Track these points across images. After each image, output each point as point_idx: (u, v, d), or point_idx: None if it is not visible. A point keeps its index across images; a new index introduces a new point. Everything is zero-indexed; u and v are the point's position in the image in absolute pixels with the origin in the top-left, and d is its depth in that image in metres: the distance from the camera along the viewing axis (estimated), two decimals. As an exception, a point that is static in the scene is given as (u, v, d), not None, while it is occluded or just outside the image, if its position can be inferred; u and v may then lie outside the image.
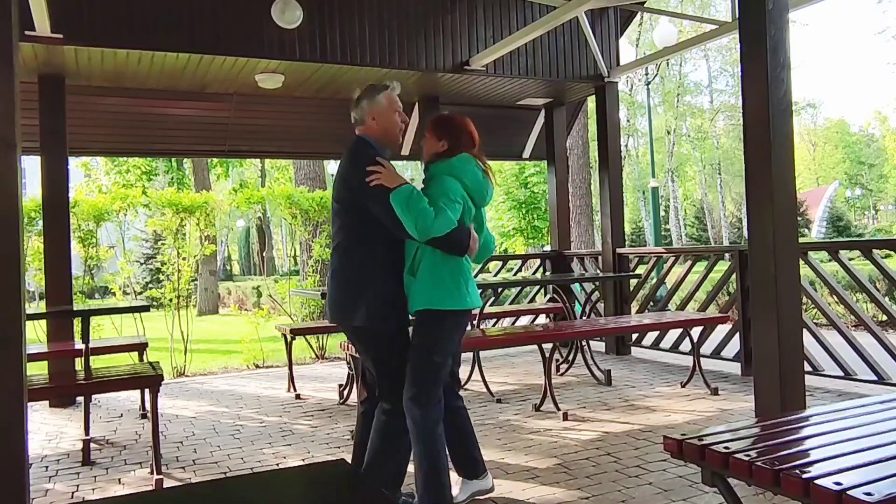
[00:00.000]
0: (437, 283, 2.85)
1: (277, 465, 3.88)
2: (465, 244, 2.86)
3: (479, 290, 3.21)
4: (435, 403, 2.87)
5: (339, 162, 3.03)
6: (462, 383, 4.70)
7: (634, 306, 7.53)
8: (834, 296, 5.82)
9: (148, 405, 4.40)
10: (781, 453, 1.84)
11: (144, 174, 19.97)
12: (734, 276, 6.00)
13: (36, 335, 5.91)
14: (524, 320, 7.48)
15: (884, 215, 49.82)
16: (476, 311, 3.13)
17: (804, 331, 3.74)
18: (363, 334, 2.94)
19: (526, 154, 8.90)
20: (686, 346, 6.27)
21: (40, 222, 6.07)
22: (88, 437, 4.17)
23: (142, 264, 21.18)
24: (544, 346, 4.86)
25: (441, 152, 2.98)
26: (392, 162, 2.96)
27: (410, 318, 2.97)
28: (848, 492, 1.56)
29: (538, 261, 8.40)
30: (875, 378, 4.89)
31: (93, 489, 3.58)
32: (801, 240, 4.92)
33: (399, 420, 2.89)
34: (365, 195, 2.79)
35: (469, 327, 4.04)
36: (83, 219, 7.07)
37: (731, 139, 36.97)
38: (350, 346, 4.36)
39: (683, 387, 5.41)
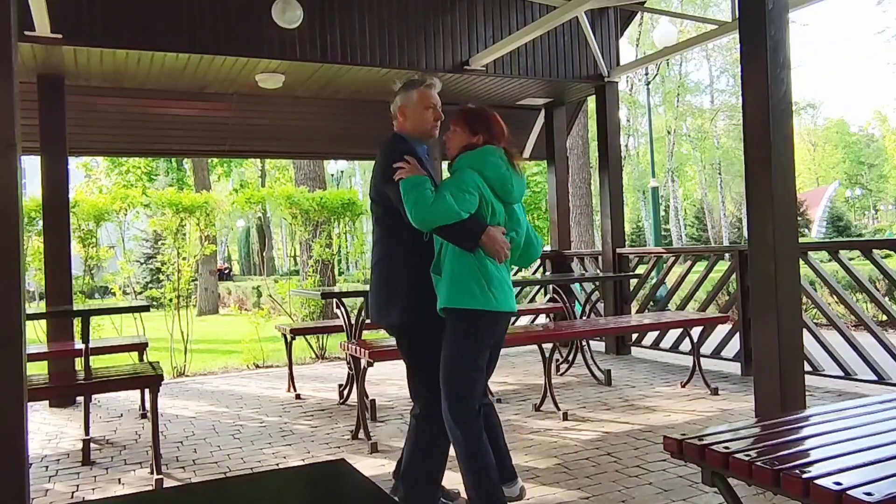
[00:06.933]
0: (456, 280, 2.73)
1: (277, 465, 3.88)
2: (474, 237, 2.70)
3: None
4: (469, 410, 2.75)
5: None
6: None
7: (634, 306, 7.53)
8: (834, 296, 5.82)
9: (148, 405, 4.40)
10: (781, 453, 1.84)
11: (145, 174, 19.97)
12: (734, 276, 6.00)
13: (36, 335, 5.91)
14: (524, 320, 7.48)
15: (884, 215, 49.81)
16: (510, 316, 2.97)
17: (804, 331, 3.74)
18: (396, 332, 2.98)
19: (526, 154, 8.88)
20: (686, 345, 6.27)
21: (40, 222, 6.08)
22: (88, 437, 4.17)
23: (142, 264, 21.13)
24: (544, 345, 4.86)
25: (470, 145, 2.86)
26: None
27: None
28: (848, 492, 1.56)
29: (538, 261, 8.39)
30: (875, 378, 4.89)
31: (93, 489, 3.58)
32: (801, 240, 4.92)
33: (431, 425, 2.85)
34: (389, 189, 2.80)
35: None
36: (83, 219, 7.08)
37: (731, 139, 36.90)
38: (350, 346, 4.36)
39: (683, 387, 5.41)
